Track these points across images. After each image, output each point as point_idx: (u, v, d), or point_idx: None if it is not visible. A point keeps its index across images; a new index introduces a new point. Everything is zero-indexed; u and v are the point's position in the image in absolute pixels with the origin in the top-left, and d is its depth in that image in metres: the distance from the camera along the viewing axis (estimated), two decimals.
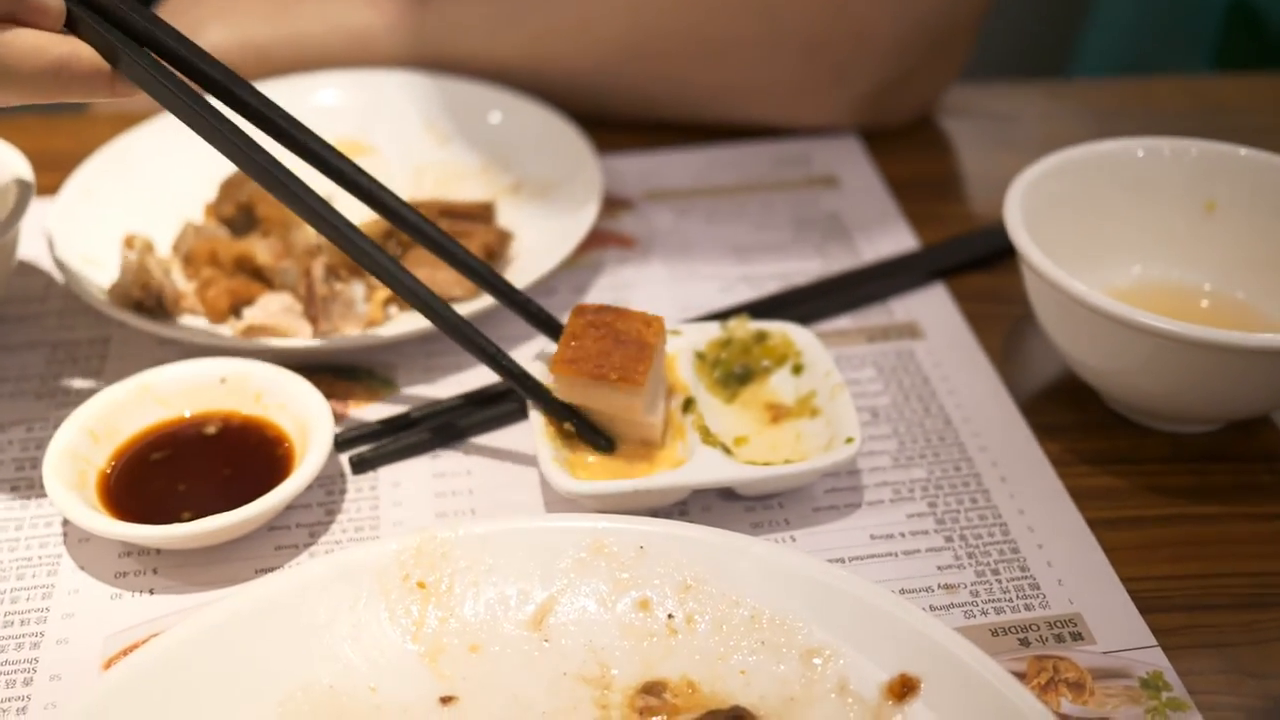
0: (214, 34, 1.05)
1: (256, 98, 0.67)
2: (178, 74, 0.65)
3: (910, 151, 1.01)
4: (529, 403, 0.69)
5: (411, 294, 0.67)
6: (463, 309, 0.77)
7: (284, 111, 0.68)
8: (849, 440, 0.67)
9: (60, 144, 0.99)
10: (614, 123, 1.00)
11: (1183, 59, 1.88)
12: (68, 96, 0.64)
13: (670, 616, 0.59)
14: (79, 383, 0.78)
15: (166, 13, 1.11)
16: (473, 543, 0.61)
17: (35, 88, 0.62)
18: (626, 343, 0.67)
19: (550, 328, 0.72)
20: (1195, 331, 0.65)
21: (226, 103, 0.67)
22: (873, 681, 0.56)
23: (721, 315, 0.79)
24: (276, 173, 0.65)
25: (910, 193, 0.95)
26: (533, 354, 0.75)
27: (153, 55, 0.65)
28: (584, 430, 0.68)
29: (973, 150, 1.03)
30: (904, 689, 0.55)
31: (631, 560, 0.60)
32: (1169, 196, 0.78)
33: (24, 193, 0.78)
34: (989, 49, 1.22)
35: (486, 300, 0.78)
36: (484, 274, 0.71)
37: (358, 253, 0.66)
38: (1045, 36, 2.20)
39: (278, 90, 0.98)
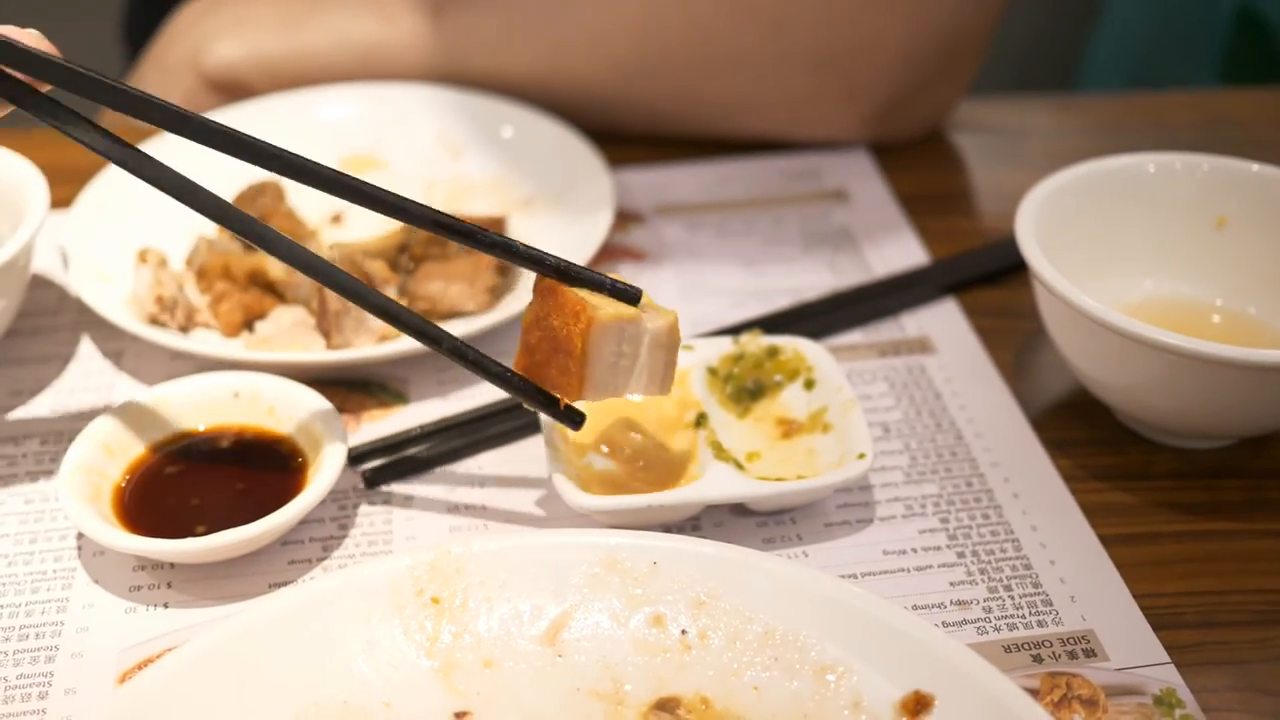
0: (223, 47, 1.05)
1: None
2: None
3: (919, 165, 1.01)
4: (541, 418, 0.69)
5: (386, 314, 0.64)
6: (477, 322, 0.78)
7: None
8: (861, 456, 0.67)
9: (73, 158, 0.99)
10: (624, 137, 1.01)
11: (1189, 70, 1.89)
12: None
13: (684, 632, 0.59)
14: (93, 396, 0.78)
15: (174, 26, 1.11)
16: (486, 558, 0.61)
17: None
18: (560, 351, 0.62)
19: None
20: (1207, 348, 0.65)
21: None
22: (886, 698, 0.56)
23: (733, 330, 0.79)
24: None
25: (919, 207, 0.96)
26: None
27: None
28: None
29: (981, 165, 1.03)
30: (917, 706, 0.55)
31: (645, 576, 0.60)
32: (1180, 212, 0.78)
33: (39, 206, 0.78)
34: (995, 62, 1.22)
35: (500, 314, 0.78)
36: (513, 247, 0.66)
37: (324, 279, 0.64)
38: (1052, 49, 2.20)
39: (289, 104, 0.98)
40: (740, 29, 0.95)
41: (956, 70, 1.00)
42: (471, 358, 0.64)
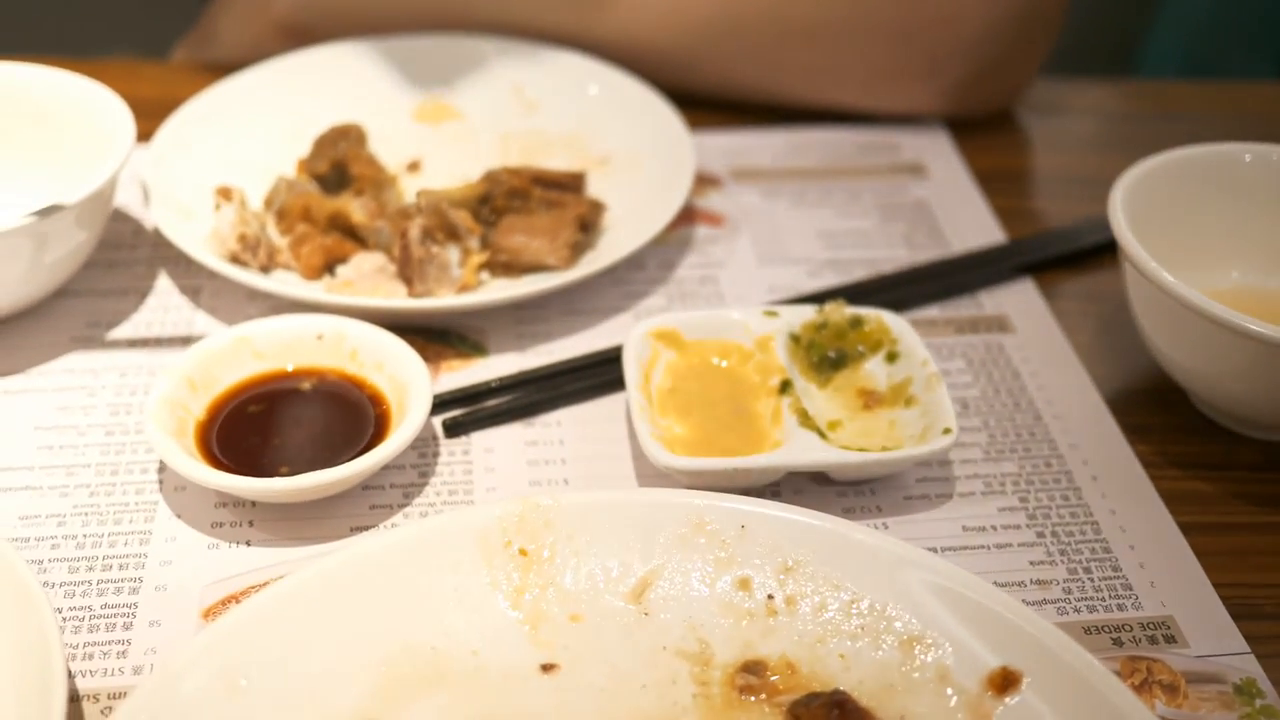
0: None
1: None
2: None
3: (993, 144, 1.00)
4: (626, 376, 0.69)
5: None
6: (557, 279, 0.77)
7: None
8: (947, 431, 0.67)
9: (145, 91, 0.99)
10: (699, 100, 1.00)
11: (1247, 63, 1.87)
12: None
13: (770, 597, 0.59)
14: (171, 331, 0.78)
15: None
16: (575, 512, 0.61)
17: None
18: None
19: None
20: None
21: None
22: (974, 673, 0.56)
23: (816, 298, 0.79)
24: None
25: (993, 186, 0.95)
26: (625, 325, 0.75)
27: None
28: None
29: (1054, 146, 1.03)
30: (1005, 682, 0.55)
31: (732, 539, 0.60)
32: (1272, 202, 0.78)
33: (124, 139, 0.78)
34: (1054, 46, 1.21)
35: (580, 271, 0.78)
36: None
37: None
38: (1108, 38, 2.18)
39: (362, 50, 0.97)
40: (819, 1, 0.94)
41: (1032, 44, 1.00)
42: None
